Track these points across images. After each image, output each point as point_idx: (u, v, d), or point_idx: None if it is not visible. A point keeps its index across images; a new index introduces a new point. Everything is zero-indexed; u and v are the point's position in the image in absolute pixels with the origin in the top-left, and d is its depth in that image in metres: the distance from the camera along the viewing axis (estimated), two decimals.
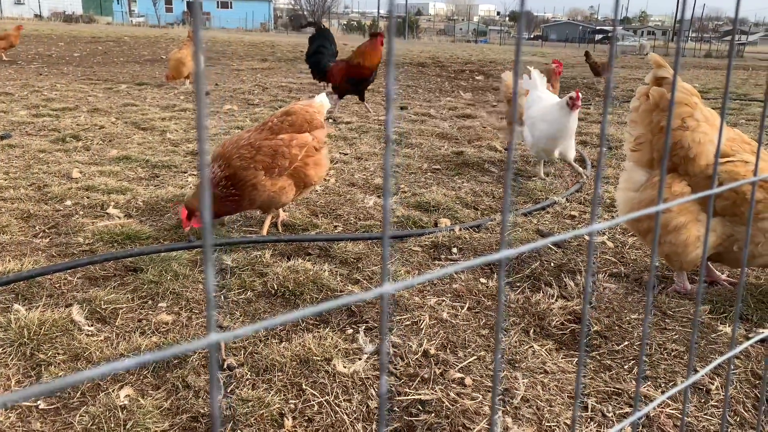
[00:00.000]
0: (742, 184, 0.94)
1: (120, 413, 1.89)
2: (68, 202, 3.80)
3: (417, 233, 3.46)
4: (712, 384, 2.18)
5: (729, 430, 1.96)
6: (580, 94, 4.55)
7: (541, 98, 4.89)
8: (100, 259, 2.89)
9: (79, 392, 2.01)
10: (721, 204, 2.59)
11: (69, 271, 2.83)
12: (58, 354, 2.19)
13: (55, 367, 2.11)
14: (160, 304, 2.59)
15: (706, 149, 2.64)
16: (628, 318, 2.62)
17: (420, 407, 2.00)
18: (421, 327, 2.48)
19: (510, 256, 0.59)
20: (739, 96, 11.34)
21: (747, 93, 11.94)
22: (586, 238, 3.60)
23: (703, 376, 2.23)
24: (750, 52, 38.59)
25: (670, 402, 2.07)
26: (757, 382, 2.20)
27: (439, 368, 2.21)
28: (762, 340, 2.48)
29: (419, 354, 2.29)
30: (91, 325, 2.39)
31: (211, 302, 0.39)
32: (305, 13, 69.60)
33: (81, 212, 3.66)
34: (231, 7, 64.78)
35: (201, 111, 0.42)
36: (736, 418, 2.02)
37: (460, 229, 3.51)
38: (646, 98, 2.76)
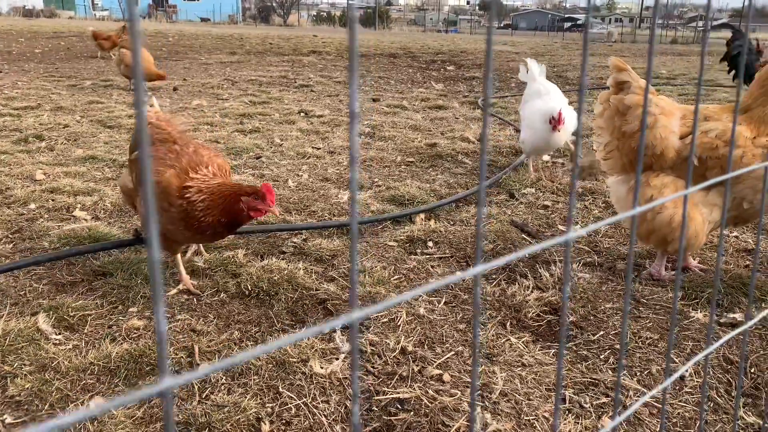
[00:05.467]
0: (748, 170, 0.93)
1: (90, 424, 1.83)
2: (32, 206, 3.69)
3: (389, 217, 3.44)
4: (674, 372, 2.21)
5: (704, 415, 1.99)
6: (563, 114, 4.20)
7: (539, 93, 4.57)
8: (43, 259, 2.83)
9: (48, 404, 1.95)
10: (713, 174, 2.61)
11: (34, 278, 2.75)
12: (25, 365, 2.12)
13: (21, 378, 2.04)
14: (130, 309, 2.52)
15: (669, 142, 2.68)
16: (603, 307, 2.64)
17: (399, 406, 1.98)
18: (398, 323, 2.47)
19: (485, 270, 0.57)
20: (705, 82, 11.53)
21: (712, 79, 12.15)
22: (584, 239, 3.63)
23: (676, 363, 2.26)
24: (714, 38, 39.29)
25: (645, 390, 2.09)
26: (729, 367, 2.24)
27: (417, 365, 2.20)
28: (732, 325, 2.52)
29: (397, 351, 2.27)
30: (59, 334, 2.32)
31: (162, 343, 0.36)
32: (274, 4, 68.70)
33: (46, 215, 3.55)
34: (198, 0, 63.66)
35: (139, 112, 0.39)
36: (709, 403, 2.05)
37: (430, 217, 3.50)
38: (609, 104, 2.80)
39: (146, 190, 0.38)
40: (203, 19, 53.91)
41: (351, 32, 0.47)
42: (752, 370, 2.21)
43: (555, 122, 4.19)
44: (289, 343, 0.43)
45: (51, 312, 2.43)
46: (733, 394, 2.09)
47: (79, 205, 3.70)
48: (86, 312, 2.47)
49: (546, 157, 4.60)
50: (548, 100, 4.45)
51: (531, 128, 4.43)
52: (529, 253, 0.63)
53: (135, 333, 2.35)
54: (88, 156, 4.87)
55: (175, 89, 8.75)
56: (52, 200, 3.79)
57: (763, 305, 2.67)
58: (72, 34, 21.34)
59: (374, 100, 8.36)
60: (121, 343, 2.27)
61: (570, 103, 4.55)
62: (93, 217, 3.56)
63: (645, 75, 2.91)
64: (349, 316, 0.43)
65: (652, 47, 0.83)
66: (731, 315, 2.58)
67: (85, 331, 2.36)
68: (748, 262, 3.13)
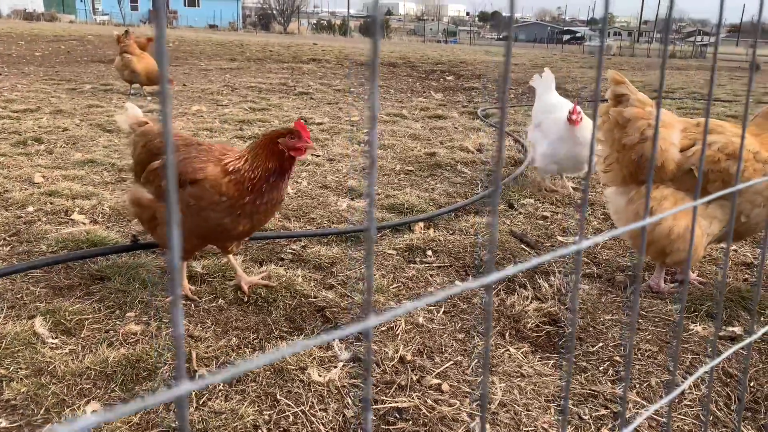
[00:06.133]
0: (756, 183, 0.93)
1: (86, 430, 1.81)
2: (30, 209, 3.67)
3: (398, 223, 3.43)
4: (684, 380, 2.20)
5: (703, 429, 1.98)
6: (578, 106, 4.08)
7: (563, 105, 4.39)
8: (40, 263, 2.80)
9: (43, 409, 1.93)
10: (714, 188, 2.62)
11: (31, 281, 2.73)
12: (21, 369, 2.10)
13: (17, 382, 2.02)
14: (128, 314, 2.51)
15: (670, 154, 2.69)
16: (602, 319, 2.63)
17: (397, 415, 1.97)
18: (397, 332, 2.46)
19: (498, 279, 0.57)
20: (703, 96, 11.60)
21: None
22: (580, 249, 3.63)
23: (675, 375, 2.26)
24: (713, 53, 39.54)
25: (645, 403, 2.08)
26: (728, 380, 2.23)
27: (415, 374, 2.19)
28: (732, 338, 2.52)
29: (395, 360, 2.26)
30: (56, 338, 2.31)
31: (180, 347, 0.36)
32: (274, 12, 68.90)
33: (44, 219, 3.54)
34: (199, 6, 63.85)
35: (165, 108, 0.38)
36: (709, 416, 2.04)
37: (429, 227, 3.50)
38: (608, 117, 2.82)
39: (170, 200, 0.38)
40: (211, 26, 53.78)
41: (373, 41, 0.47)
42: (751, 384, 2.20)
43: (571, 113, 4.04)
44: (310, 345, 0.43)
45: (48, 316, 2.42)
46: (732, 408, 2.09)
47: (77, 209, 3.68)
48: (83, 316, 2.46)
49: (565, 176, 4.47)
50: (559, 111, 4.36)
51: (557, 140, 4.22)
52: (543, 262, 0.62)
53: (132, 338, 2.34)
54: (87, 159, 4.86)
55: None
56: (51, 203, 3.77)
57: (762, 319, 2.67)
58: (72, 38, 21.37)
59: None
60: (118, 348, 2.25)
61: None
62: (91, 221, 3.54)
63: (644, 89, 2.91)
64: (365, 324, 0.42)
65: (663, 69, 0.83)
66: (731, 328, 2.57)
67: (82, 335, 2.34)
68: (747, 276, 3.14)
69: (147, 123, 2.73)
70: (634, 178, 2.80)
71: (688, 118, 2.91)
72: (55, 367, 2.11)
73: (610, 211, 3.02)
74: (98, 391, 2.03)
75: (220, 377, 0.40)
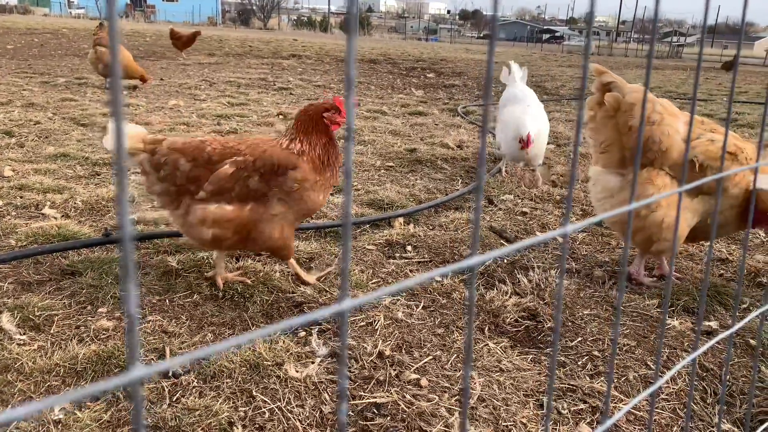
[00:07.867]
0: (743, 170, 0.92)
1: (54, 428, 1.76)
2: None
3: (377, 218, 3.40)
4: (662, 376, 2.21)
5: (679, 422, 1.99)
6: (531, 136, 4.31)
7: (516, 97, 4.76)
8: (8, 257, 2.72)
9: (9, 406, 1.87)
10: (706, 185, 2.64)
11: None
12: None
13: None
14: (99, 310, 2.44)
15: (674, 141, 2.70)
16: (580, 314, 2.63)
17: (375, 410, 1.95)
18: (376, 327, 2.43)
19: (480, 263, 0.54)
20: (680, 95, 11.77)
21: (686, 92, 12.40)
22: (560, 239, 3.63)
23: (658, 371, 2.27)
24: (688, 53, 40.25)
25: (623, 397, 2.09)
26: (704, 374, 2.25)
27: (394, 369, 2.16)
28: (708, 333, 2.54)
29: (374, 355, 2.24)
30: (24, 334, 2.23)
31: (133, 329, 0.33)
32: (254, 7, 68.34)
33: (13, 213, 3.44)
34: (177, 0, 63.07)
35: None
36: (685, 410, 2.05)
37: (409, 222, 3.48)
38: (600, 106, 2.81)
39: (120, 198, 0.35)
40: (210, 19, 53.19)
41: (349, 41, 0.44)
42: (727, 378, 2.22)
43: (524, 143, 4.40)
44: (280, 329, 0.40)
45: (16, 311, 2.34)
46: (708, 401, 2.10)
47: (48, 203, 3.59)
48: (53, 312, 2.39)
49: (521, 164, 4.78)
50: (523, 111, 4.57)
51: (504, 137, 4.61)
52: (524, 247, 0.60)
53: (104, 334, 2.28)
54: (60, 153, 4.74)
55: (134, 88, 8.48)
56: (21, 197, 3.67)
57: (738, 314, 2.70)
58: (46, 31, 20.94)
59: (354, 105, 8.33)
60: (89, 344, 2.19)
61: (549, 112, 4.58)
62: (63, 215, 3.45)
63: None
64: (339, 307, 0.39)
65: (650, 60, 0.82)
66: (707, 323, 2.60)
67: (52, 331, 2.28)
68: (722, 272, 3.17)
69: (163, 139, 2.52)
70: (633, 161, 2.79)
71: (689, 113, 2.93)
72: (22, 363, 2.05)
73: (595, 191, 2.93)
74: (67, 388, 1.97)
75: (178, 360, 0.37)
